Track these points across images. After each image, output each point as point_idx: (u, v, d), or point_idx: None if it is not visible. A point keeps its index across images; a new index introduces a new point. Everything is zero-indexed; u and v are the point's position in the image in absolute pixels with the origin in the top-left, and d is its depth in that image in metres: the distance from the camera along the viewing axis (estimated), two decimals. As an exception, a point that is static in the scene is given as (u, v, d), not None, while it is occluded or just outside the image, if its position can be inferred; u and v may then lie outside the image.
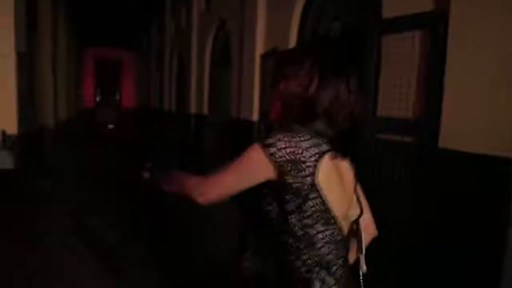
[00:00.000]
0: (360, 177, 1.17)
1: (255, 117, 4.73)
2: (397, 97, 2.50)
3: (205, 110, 7.27)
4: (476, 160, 1.96)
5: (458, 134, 2.07)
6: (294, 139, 1.02)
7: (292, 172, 1.01)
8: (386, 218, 2.03)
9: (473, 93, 2.01)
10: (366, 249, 1.17)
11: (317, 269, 1.05)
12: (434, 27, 2.25)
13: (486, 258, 1.93)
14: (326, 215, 1.05)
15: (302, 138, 1.02)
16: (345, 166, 1.11)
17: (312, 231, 1.05)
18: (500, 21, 1.89)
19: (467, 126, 2.04)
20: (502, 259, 1.84)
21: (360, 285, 1.18)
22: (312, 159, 1.01)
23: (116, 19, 13.74)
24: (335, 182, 1.06)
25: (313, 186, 1.01)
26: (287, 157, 1.01)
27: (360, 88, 1.11)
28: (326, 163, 1.02)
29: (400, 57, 2.49)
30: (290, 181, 1.02)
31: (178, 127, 9.19)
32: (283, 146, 1.01)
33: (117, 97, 21.43)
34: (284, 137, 1.02)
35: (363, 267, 1.18)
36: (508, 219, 1.83)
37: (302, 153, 1.01)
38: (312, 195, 1.02)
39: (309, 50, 1.16)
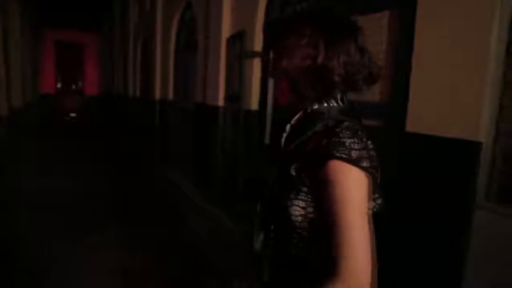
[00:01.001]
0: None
1: (221, 102, 4.60)
2: (364, 80, 2.45)
3: (171, 95, 7.06)
4: (442, 144, 1.94)
5: (425, 118, 2.04)
6: (357, 134, 0.88)
7: (375, 178, 0.91)
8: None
9: (440, 77, 1.98)
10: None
11: None
12: (402, 7, 2.20)
13: (452, 240, 1.92)
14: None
15: (363, 134, 0.89)
16: None
17: None
18: (469, 3, 1.84)
19: (433, 110, 2.01)
20: (468, 241, 1.83)
21: None
22: (373, 151, 0.89)
23: None
24: None
25: (379, 193, 0.99)
26: (374, 164, 0.88)
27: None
28: None
29: (368, 39, 2.43)
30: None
31: (143, 113, 8.91)
32: (358, 147, 0.86)
33: (80, 84, 20.61)
34: (352, 136, 0.86)
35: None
36: (474, 201, 1.82)
37: (370, 147, 0.89)
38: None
39: (304, 15, 1.00)
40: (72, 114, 16.76)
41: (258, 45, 3.88)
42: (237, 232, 3.85)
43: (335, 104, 0.97)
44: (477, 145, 1.81)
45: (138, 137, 9.43)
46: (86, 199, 4.82)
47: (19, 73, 9.31)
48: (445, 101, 1.94)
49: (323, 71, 0.92)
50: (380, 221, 2.21)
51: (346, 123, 0.90)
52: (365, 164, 0.85)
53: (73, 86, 20.31)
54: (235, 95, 4.14)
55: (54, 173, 5.99)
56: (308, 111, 0.98)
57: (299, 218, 0.90)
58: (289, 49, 0.95)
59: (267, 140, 3.77)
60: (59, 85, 19.98)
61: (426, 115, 2.04)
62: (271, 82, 3.73)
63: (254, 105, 3.96)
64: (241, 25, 4.18)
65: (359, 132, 0.88)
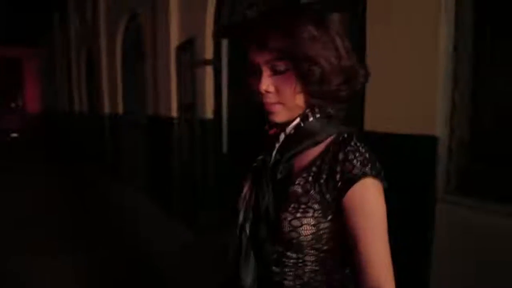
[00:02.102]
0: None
1: (174, 112, 4.47)
2: (320, 82, 2.45)
3: (120, 109, 6.80)
4: (400, 140, 1.97)
5: (382, 116, 2.07)
6: (368, 149, 0.86)
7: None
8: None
9: (394, 76, 2.01)
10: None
11: None
12: (352, 9, 2.22)
13: (415, 236, 1.94)
14: None
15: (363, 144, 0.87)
16: None
17: None
18: (419, 4, 1.89)
19: (389, 108, 2.03)
20: (432, 233, 1.86)
21: None
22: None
23: (12, 11, 12.36)
24: None
25: None
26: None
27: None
28: None
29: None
30: None
31: (91, 129, 8.53)
32: (375, 159, 0.86)
33: (20, 102, 19.45)
34: (368, 149, 0.86)
35: None
36: (434, 194, 1.85)
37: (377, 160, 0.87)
38: None
39: (306, 18, 0.85)
40: (14, 134, 15.76)
41: (209, 53, 3.81)
42: (198, 245, 3.74)
43: (323, 114, 0.89)
44: (433, 140, 1.85)
45: (87, 155, 9.02)
46: (32, 223, 4.50)
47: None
48: (400, 99, 1.97)
49: (351, 72, 0.87)
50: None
51: (355, 135, 0.87)
52: (381, 176, 0.85)
53: (13, 104, 19.13)
54: (188, 105, 4.03)
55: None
56: (310, 119, 0.89)
57: (310, 237, 0.84)
58: (311, 52, 0.82)
59: (225, 149, 3.70)
60: (-4, 104, 18.76)
61: (382, 113, 2.06)
62: (225, 90, 3.68)
63: (209, 114, 3.88)
64: (190, 32, 4.09)
65: (364, 146, 0.87)
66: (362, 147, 0.85)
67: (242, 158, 1.04)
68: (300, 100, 0.87)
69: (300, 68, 0.83)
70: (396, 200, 1.99)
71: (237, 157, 3.40)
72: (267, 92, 0.86)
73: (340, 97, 0.87)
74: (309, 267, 0.88)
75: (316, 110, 0.88)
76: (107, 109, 7.37)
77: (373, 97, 2.11)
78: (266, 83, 0.85)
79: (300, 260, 0.88)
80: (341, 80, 0.85)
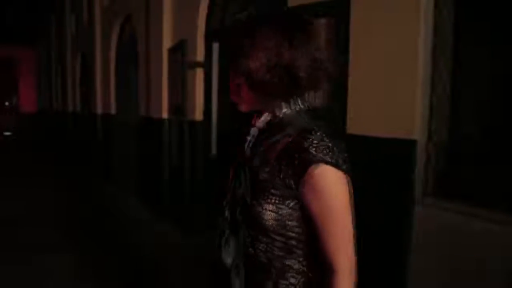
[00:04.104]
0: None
1: (165, 114, 4.49)
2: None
3: (113, 110, 6.81)
4: (380, 143, 2.00)
5: (363, 120, 2.11)
6: (334, 140, 0.90)
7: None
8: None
9: (375, 81, 2.05)
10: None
11: None
12: (337, 14, 2.27)
13: (393, 237, 1.97)
14: None
15: (333, 140, 0.91)
16: None
17: None
18: (399, 11, 1.93)
19: (371, 112, 2.07)
20: (410, 234, 1.89)
21: None
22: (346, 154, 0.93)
23: (10, 12, 12.34)
24: None
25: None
26: (347, 163, 0.91)
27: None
28: None
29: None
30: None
31: (84, 129, 8.53)
32: (338, 151, 0.89)
33: (15, 101, 19.35)
34: (331, 140, 0.89)
35: None
36: (413, 196, 1.88)
37: (344, 151, 0.93)
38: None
39: (264, 18, 0.97)
40: (7, 133, 15.69)
41: (200, 55, 3.85)
42: (188, 246, 3.74)
43: (301, 107, 0.97)
44: (412, 143, 1.88)
45: (79, 155, 9.01)
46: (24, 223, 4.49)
47: None
48: (381, 103, 2.01)
49: (290, 69, 0.90)
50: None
51: (322, 127, 0.92)
52: (344, 166, 0.89)
53: (7, 104, 19.03)
54: (179, 107, 4.06)
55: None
56: (277, 114, 0.96)
57: (271, 222, 0.91)
58: (255, 51, 0.90)
59: (214, 151, 3.72)
60: (-9, 104, 18.65)
61: (364, 117, 2.10)
62: (215, 92, 3.71)
63: (199, 115, 3.90)
64: (182, 35, 4.13)
65: (331, 136, 0.91)
66: (326, 139, 0.88)
67: (229, 155, 1.12)
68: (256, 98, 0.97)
69: (249, 83, 0.94)
70: (375, 202, 2.03)
71: (225, 158, 3.42)
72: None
73: (287, 93, 0.94)
74: (277, 253, 0.94)
75: (284, 106, 0.96)
76: (100, 109, 7.38)
77: (355, 101, 2.15)
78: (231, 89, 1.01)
79: (270, 245, 0.94)
80: (279, 76, 0.91)
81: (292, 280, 0.95)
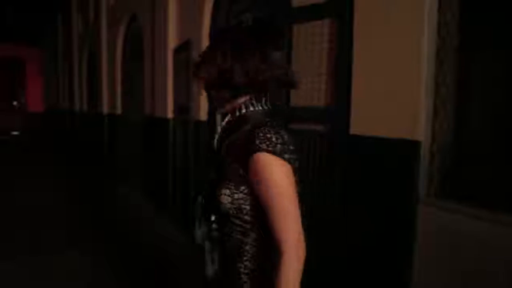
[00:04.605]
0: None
1: (170, 114, 4.51)
2: (309, 86, 2.49)
3: (119, 110, 6.85)
4: (384, 144, 2.01)
5: (367, 121, 2.11)
6: (281, 134, 1.04)
7: (295, 168, 1.06)
8: (307, 205, 2.05)
9: (379, 81, 2.05)
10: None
11: None
12: (340, 15, 2.27)
13: (397, 238, 1.97)
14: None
15: (282, 132, 1.05)
16: None
17: None
18: (402, 11, 1.93)
19: (374, 112, 2.07)
20: (414, 235, 1.89)
21: None
22: (294, 149, 1.06)
23: (16, 11, 12.43)
24: None
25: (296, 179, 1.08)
26: (293, 157, 1.05)
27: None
28: None
29: (311, 46, 2.49)
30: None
31: (91, 128, 8.58)
32: (280, 142, 1.02)
33: (22, 100, 19.49)
34: (275, 133, 1.03)
35: None
36: (417, 197, 1.88)
37: (290, 143, 1.05)
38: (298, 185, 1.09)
39: (223, 31, 1.23)
40: (14, 133, 15.84)
41: (205, 55, 3.86)
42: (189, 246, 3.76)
43: (260, 108, 1.13)
44: (415, 144, 1.88)
45: (86, 153, 9.07)
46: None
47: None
48: (384, 103, 2.01)
49: (227, 75, 1.08)
50: (329, 222, 2.22)
51: (269, 123, 1.06)
52: (286, 156, 1.01)
53: (15, 103, 19.20)
54: (184, 106, 4.08)
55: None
56: (237, 114, 1.14)
57: (229, 206, 1.05)
58: (208, 60, 1.11)
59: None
60: (-3, 103, 18.78)
61: (368, 117, 2.10)
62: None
63: (203, 115, 3.92)
64: (187, 35, 4.15)
65: (280, 130, 1.04)
66: (270, 133, 1.02)
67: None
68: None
69: (205, 88, 1.16)
70: (379, 203, 2.04)
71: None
72: None
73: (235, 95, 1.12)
74: (236, 236, 1.08)
75: (244, 106, 1.13)
76: (106, 109, 7.43)
77: (358, 102, 2.15)
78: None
79: (230, 228, 1.09)
80: (219, 82, 1.11)
81: (248, 264, 1.08)
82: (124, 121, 6.65)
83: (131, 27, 6.41)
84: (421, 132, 1.88)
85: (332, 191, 2.32)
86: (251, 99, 1.13)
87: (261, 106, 1.13)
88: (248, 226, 1.07)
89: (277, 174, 1.00)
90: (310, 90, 2.49)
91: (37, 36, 16.43)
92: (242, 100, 1.13)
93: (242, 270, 1.08)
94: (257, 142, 1.00)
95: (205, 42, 3.84)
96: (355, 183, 2.18)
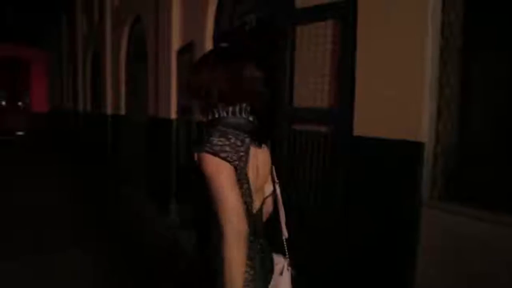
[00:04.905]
0: (281, 168, 1.30)
1: (174, 115, 4.52)
2: (312, 87, 2.49)
3: (123, 110, 6.87)
4: (387, 145, 2.00)
5: (371, 122, 2.10)
6: (230, 138, 1.19)
7: (238, 166, 1.19)
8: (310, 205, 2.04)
9: (382, 82, 2.05)
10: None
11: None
12: (344, 16, 2.26)
13: (400, 240, 1.97)
14: (250, 196, 1.26)
15: (233, 136, 1.21)
16: (262, 151, 1.33)
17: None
18: (405, 11, 1.93)
19: (378, 114, 2.07)
20: (417, 237, 1.88)
21: (284, 248, 1.47)
22: (244, 153, 1.21)
23: (21, 12, 12.50)
24: (255, 167, 1.28)
25: (246, 175, 1.23)
26: (234, 157, 1.18)
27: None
28: (250, 153, 1.24)
29: (314, 47, 2.48)
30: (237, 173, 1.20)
31: (95, 128, 8.61)
32: (227, 149, 1.18)
33: (27, 101, 19.59)
34: (218, 136, 1.19)
35: (285, 233, 1.48)
36: (420, 199, 1.88)
37: (240, 148, 1.20)
38: (245, 181, 1.23)
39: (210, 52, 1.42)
40: (19, 133, 15.92)
41: (208, 56, 3.86)
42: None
43: (225, 115, 1.28)
44: (419, 146, 1.88)
45: (90, 153, 9.10)
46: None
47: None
48: (388, 105, 2.01)
49: (202, 90, 1.29)
50: (333, 221, 2.20)
51: (219, 128, 1.23)
52: (223, 155, 1.16)
53: (20, 104, 19.30)
54: (187, 107, 4.09)
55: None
56: (211, 120, 1.30)
57: (206, 198, 1.20)
58: (195, 75, 1.35)
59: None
60: (3, 103, 18.89)
61: (371, 118, 2.10)
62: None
63: (207, 116, 3.92)
64: (190, 36, 4.16)
65: (229, 135, 1.20)
66: (216, 137, 1.19)
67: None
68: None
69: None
70: (382, 204, 2.03)
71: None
72: None
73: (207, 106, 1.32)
74: (211, 223, 1.22)
75: (216, 114, 1.30)
76: (110, 109, 7.45)
77: (362, 103, 2.15)
78: None
79: (211, 216, 1.22)
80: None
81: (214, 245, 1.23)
82: (127, 122, 6.67)
83: (135, 28, 6.43)
84: (424, 134, 1.87)
85: (335, 192, 2.32)
86: (221, 109, 1.29)
87: (227, 113, 1.28)
88: (215, 216, 1.19)
89: (213, 171, 1.16)
90: (313, 91, 2.49)
91: (42, 37, 16.52)
92: (216, 110, 1.30)
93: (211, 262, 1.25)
94: (203, 144, 1.18)
95: (208, 44, 3.85)
96: (358, 184, 2.18)
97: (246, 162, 1.22)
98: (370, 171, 2.13)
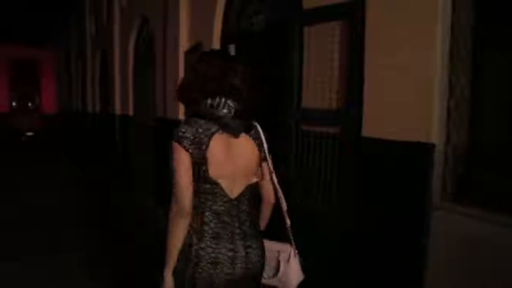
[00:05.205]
0: (287, 168, 1.26)
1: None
2: (320, 88, 2.48)
3: (131, 111, 6.90)
4: (397, 147, 1.98)
5: (380, 123, 2.08)
6: (194, 127, 1.42)
7: (195, 151, 1.40)
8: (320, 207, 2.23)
9: (391, 82, 2.03)
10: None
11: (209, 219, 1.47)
12: (351, 17, 2.25)
13: (411, 243, 1.95)
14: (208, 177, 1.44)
15: (198, 126, 1.42)
16: (240, 142, 1.48)
17: (206, 194, 1.46)
18: (414, 11, 1.91)
19: (387, 115, 2.05)
20: (427, 240, 1.86)
21: (289, 235, 1.58)
22: (206, 139, 1.41)
23: (29, 13, 12.60)
24: (223, 154, 1.43)
25: (205, 158, 1.41)
26: (190, 142, 1.40)
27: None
28: (215, 140, 1.42)
29: (323, 48, 2.47)
30: (194, 157, 1.41)
31: (103, 129, 8.67)
32: (188, 135, 1.41)
33: (37, 102, 19.79)
34: (187, 128, 1.44)
35: (287, 221, 1.57)
36: (430, 201, 1.86)
37: (200, 135, 1.41)
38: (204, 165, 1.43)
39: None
40: (29, 133, 16.09)
41: (216, 57, 3.86)
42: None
43: (203, 108, 1.47)
44: (429, 147, 1.85)
45: (98, 154, 9.15)
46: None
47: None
48: (397, 106, 1.99)
49: (188, 86, 1.53)
50: (341, 222, 2.19)
51: (188, 119, 1.45)
52: (182, 142, 1.40)
53: (29, 104, 19.50)
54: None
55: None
56: (191, 113, 1.50)
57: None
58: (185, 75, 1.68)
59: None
60: (13, 104, 19.09)
61: (380, 119, 2.08)
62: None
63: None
64: (198, 37, 4.16)
65: (192, 123, 1.42)
66: (183, 128, 1.43)
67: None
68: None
69: None
70: (392, 206, 2.01)
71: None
72: None
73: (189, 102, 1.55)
74: None
75: (195, 109, 1.50)
76: (118, 110, 7.49)
77: (371, 104, 2.13)
78: None
79: None
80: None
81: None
82: (136, 122, 6.70)
83: (143, 29, 6.45)
84: (435, 135, 1.85)
85: (344, 194, 2.31)
86: (201, 102, 1.48)
87: (205, 107, 1.46)
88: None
89: (174, 154, 1.41)
90: (322, 91, 2.47)
91: (51, 38, 16.66)
92: (196, 103, 1.50)
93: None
94: (174, 132, 1.43)
95: (216, 44, 3.85)
96: (367, 185, 2.16)
97: (207, 147, 1.40)
98: (379, 173, 2.11)
